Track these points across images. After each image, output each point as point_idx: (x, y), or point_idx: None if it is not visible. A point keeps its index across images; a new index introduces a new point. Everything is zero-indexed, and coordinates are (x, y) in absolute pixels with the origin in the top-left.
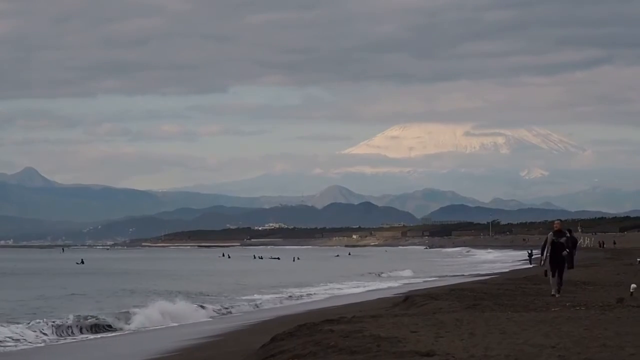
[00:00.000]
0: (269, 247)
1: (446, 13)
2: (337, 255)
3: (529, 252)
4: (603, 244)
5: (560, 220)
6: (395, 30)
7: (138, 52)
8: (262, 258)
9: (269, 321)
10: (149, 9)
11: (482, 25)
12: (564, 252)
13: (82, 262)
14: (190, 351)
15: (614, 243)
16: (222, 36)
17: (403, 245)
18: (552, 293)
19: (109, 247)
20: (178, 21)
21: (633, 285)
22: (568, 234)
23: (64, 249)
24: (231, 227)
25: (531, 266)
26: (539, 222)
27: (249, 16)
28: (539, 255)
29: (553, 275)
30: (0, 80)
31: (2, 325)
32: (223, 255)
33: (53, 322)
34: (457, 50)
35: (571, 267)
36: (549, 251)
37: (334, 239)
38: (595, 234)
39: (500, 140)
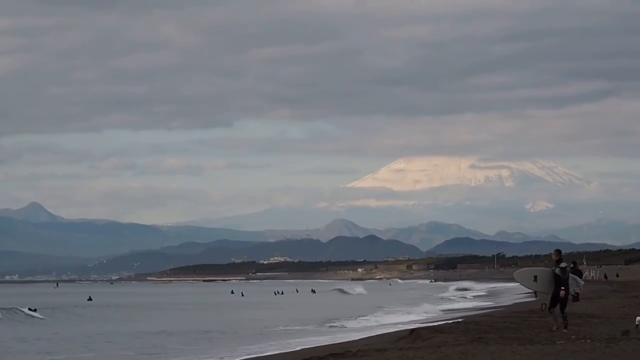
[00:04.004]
0: (326, 280)
1: (453, 46)
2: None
3: (562, 289)
4: (606, 277)
5: (558, 250)
6: (401, 63)
7: (144, 86)
8: (282, 293)
9: (275, 355)
10: (155, 43)
11: (488, 58)
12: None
13: (90, 299)
14: None
15: (617, 275)
16: (228, 70)
17: (408, 279)
18: (553, 328)
19: (112, 281)
20: (184, 56)
21: (638, 318)
22: (564, 264)
23: (58, 283)
24: (236, 261)
25: (536, 299)
26: (544, 255)
27: (255, 50)
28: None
29: (549, 311)
30: (7, 115)
31: None
32: (232, 292)
33: None
34: (463, 83)
35: (576, 299)
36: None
37: (339, 272)
38: (601, 266)
39: (505, 173)
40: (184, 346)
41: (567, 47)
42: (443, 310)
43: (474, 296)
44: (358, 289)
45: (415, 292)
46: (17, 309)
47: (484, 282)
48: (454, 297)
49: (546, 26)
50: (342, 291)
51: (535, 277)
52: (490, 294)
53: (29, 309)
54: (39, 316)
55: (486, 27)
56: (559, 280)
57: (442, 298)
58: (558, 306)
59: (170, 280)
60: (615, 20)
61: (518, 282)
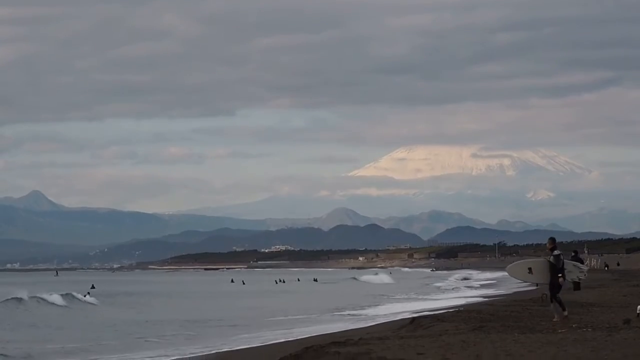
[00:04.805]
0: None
1: (454, 35)
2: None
3: (560, 275)
4: (607, 265)
5: (552, 238)
6: (403, 52)
7: (145, 75)
8: (284, 282)
9: (276, 343)
10: (158, 32)
11: (490, 47)
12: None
13: (93, 287)
14: None
15: (618, 264)
16: (230, 59)
17: (412, 268)
18: (554, 319)
19: (113, 270)
20: (186, 45)
21: None
22: (558, 252)
23: (57, 272)
24: (237, 249)
25: (537, 287)
26: (545, 244)
27: (257, 39)
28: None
29: (551, 300)
30: (9, 104)
31: None
32: (232, 281)
33: None
34: (465, 72)
35: (577, 288)
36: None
37: (341, 261)
38: (602, 255)
39: (506, 162)
40: (186, 334)
41: (568, 36)
42: (483, 296)
43: (481, 285)
44: (383, 277)
45: (435, 279)
46: (72, 295)
47: (487, 271)
48: (458, 286)
49: (547, 15)
50: (356, 279)
51: (530, 269)
52: (499, 283)
53: (86, 294)
54: (94, 302)
55: (488, 16)
56: (555, 269)
57: (454, 288)
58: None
59: (176, 269)
60: (617, 10)
61: (512, 277)
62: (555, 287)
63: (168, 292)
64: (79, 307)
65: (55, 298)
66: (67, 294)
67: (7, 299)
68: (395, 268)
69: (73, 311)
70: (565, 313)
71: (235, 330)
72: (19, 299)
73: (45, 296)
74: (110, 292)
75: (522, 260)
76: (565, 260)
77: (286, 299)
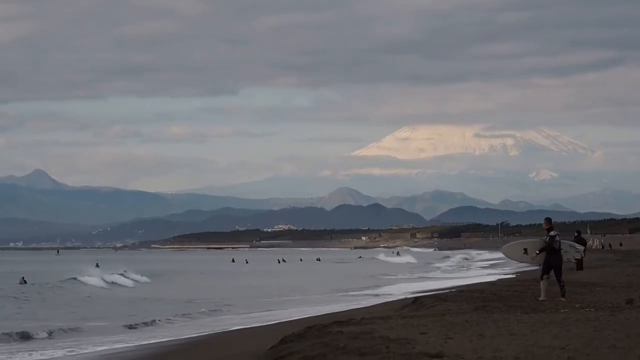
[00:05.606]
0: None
1: (459, 15)
2: (360, 257)
3: (537, 252)
4: (610, 246)
5: (548, 218)
6: (407, 31)
7: (149, 54)
8: (285, 261)
9: (279, 323)
10: (161, 11)
11: (494, 26)
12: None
13: (98, 266)
14: (196, 350)
15: (620, 244)
16: (234, 38)
17: (415, 247)
18: (540, 298)
19: (116, 249)
20: (190, 23)
21: None
22: (554, 233)
23: (59, 250)
24: (240, 229)
25: (539, 267)
26: None
27: (261, 18)
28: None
29: (541, 278)
30: (12, 82)
31: None
32: (233, 260)
33: None
34: (469, 51)
35: (579, 268)
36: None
37: (344, 240)
38: (604, 235)
39: (509, 141)
40: (199, 313)
41: (572, 16)
42: (486, 276)
43: (484, 265)
44: (406, 257)
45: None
46: (124, 274)
47: (490, 251)
48: (463, 266)
49: None
50: (378, 260)
51: (525, 249)
52: (501, 263)
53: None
54: (146, 280)
55: None
56: (549, 249)
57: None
58: (552, 274)
59: (179, 248)
60: None
61: (507, 257)
62: (548, 266)
63: (195, 271)
64: (140, 286)
65: (117, 278)
66: (123, 274)
67: (66, 279)
68: (404, 248)
69: (140, 290)
70: (541, 298)
71: (238, 310)
72: (75, 279)
73: (107, 276)
74: (145, 271)
75: (517, 241)
76: (561, 240)
77: (288, 278)
